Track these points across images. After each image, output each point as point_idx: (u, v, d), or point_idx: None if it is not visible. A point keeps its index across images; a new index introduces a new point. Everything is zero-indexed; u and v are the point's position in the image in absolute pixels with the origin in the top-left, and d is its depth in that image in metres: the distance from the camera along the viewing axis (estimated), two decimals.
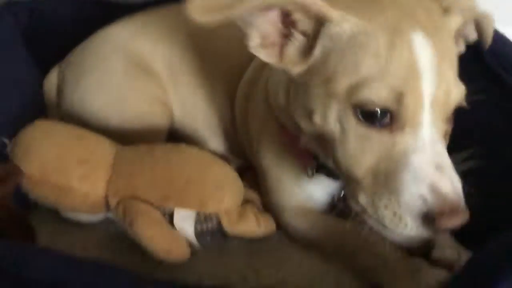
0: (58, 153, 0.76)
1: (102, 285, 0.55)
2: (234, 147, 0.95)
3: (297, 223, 0.81)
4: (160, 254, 0.72)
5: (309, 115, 0.63)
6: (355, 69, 0.58)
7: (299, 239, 0.81)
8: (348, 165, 0.61)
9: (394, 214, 0.58)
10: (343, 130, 0.60)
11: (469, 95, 0.62)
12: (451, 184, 0.57)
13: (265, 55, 0.62)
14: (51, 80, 1.00)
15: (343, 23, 0.59)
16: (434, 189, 0.56)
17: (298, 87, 0.67)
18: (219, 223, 0.78)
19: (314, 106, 0.62)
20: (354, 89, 0.57)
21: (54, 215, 0.83)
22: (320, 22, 0.60)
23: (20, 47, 1.03)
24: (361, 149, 0.59)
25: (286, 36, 0.62)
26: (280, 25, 0.61)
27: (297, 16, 0.60)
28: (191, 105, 0.94)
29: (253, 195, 0.85)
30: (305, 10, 0.59)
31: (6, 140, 0.78)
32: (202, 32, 0.92)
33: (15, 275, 0.54)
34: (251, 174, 0.90)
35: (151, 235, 0.72)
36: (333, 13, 0.59)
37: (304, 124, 0.66)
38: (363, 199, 0.61)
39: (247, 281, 0.75)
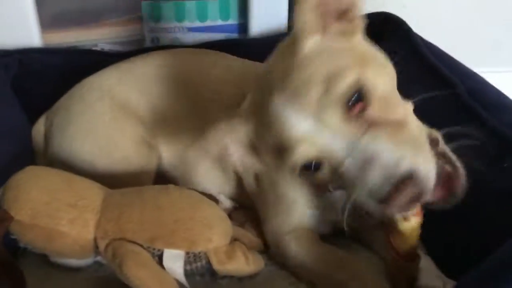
0: (48, 198, 0.77)
1: None
2: (223, 187, 0.96)
3: (296, 247, 0.83)
4: None
5: None
6: None
7: (294, 263, 0.83)
8: None
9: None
10: None
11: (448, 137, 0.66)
12: (380, 172, 0.61)
13: None
14: (39, 128, 1.02)
15: None
16: (367, 183, 0.61)
17: None
18: (208, 263, 0.79)
19: None
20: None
21: (43, 260, 0.84)
22: None
23: (10, 96, 1.05)
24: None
25: None
26: None
27: None
28: (177, 147, 0.96)
29: (242, 233, 0.86)
30: None
31: None
32: (188, 77, 0.96)
33: None
34: (241, 212, 0.92)
35: (141, 276, 0.73)
36: None
37: None
38: None
39: None
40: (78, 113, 0.95)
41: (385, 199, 0.61)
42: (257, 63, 0.93)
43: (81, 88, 0.99)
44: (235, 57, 1.04)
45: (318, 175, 0.67)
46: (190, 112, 0.94)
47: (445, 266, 0.79)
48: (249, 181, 0.92)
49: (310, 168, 0.66)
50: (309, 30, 0.66)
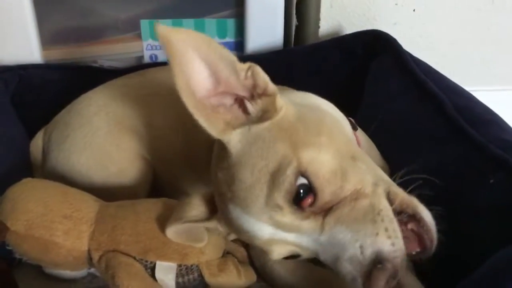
0: (44, 209, 0.78)
1: None
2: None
3: (280, 269, 0.84)
4: None
5: None
6: None
7: (281, 286, 0.84)
8: None
9: None
10: None
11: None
12: (349, 265, 0.60)
13: None
14: (37, 142, 1.04)
15: None
16: (343, 277, 0.61)
17: None
18: (201, 275, 0.80)
19: None
20: None
21: (38, 271, 0.85)
22: None
23: (9, 110, 1.07)
24: None
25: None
26: None
27: None
28: (170, 162, 0.98)
29: (234, 246, 0.87)
30: None
31: None
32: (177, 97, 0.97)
33: None
34: None
35: (133, 287, 0.73)
36: None
37: None
38: None
39: None
40: (75, 127, 0.97)
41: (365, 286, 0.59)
42: None
43: (79, 104, 1.01)
44: None
45: (304, 257, 0.67)
46: (177, 130, 0.95)
47: (432, 282, 0.79)
48: None
49: (293, 257, 0.67)
50: (228, 126, 0.64)
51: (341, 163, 0.63)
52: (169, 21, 1.27)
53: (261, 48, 1.28)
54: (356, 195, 0.62)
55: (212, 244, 0.81)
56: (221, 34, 1.31)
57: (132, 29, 1.28)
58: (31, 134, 1.06)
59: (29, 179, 0.85)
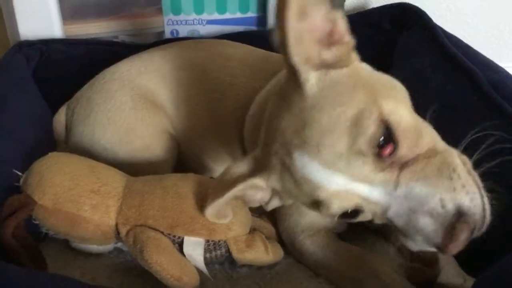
0: (71, 183, 0.78)
1: None
2: None
3: (311, 245, 0.83)
4: (171, 281, 0.73)
5: None
6: None
7: (311, 261, 0.83)
8: None
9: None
10: None
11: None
12: (429, 218, 0.58)
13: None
14: (60, 118, 1.03)
15: None
16: (418, 231, 0.59)
17: None
18: (228, 251, 0.79)
19: None
20: None
21: (64, 245, 0.85)
22: None
23: (32, 86, 1.06)
24: None
25: None
26: None
27: None
28: (196, 136, 0.96)
29: (261, 223, 0.86)
30: None
31: (19, 173, 0.80)
32: (207, 67, 0.96)
33: None
34: None
35: (161, 261, 0.73)
36: None
37: None
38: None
39: None
40: (99, 102, 0.96)
41: (441, 245, 0.58)
42: (275, 54, 0.93)
43: (102, 78, 1.00)
44: (252, 48, 1.03)
45: (360, 217, 0.64)
46: (205, 104, 0.95)
47: (466, 263, 0.78)
48: None
49: (349, 216, 0.64)
50: (308, 64, 0.61)
51: (415, 120, 0.63)
52: None
53: None
54: (430, 153, 0.61)
55: (239, 220, 0.80)
56: (243, 9, 1.29)
57: (153, 3, 1.26)
58: (53, 110, 1.05)
59: (55, 153, 0.84)
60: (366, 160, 0.58)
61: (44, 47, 1.14)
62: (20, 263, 0.72)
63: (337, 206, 0.62)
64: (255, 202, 0.74)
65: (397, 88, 0.66)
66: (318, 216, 0.81)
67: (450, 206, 0.58)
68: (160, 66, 0.99)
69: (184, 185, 0.80)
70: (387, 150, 0.59)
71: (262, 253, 0.81)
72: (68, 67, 1.15)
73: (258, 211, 0.92)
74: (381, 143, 0.58)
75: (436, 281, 0.77)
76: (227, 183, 0.70)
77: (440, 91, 0.90)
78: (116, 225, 0.78)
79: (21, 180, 0.80)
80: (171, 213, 0.77)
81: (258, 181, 0.68)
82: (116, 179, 0.81)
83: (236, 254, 0.79)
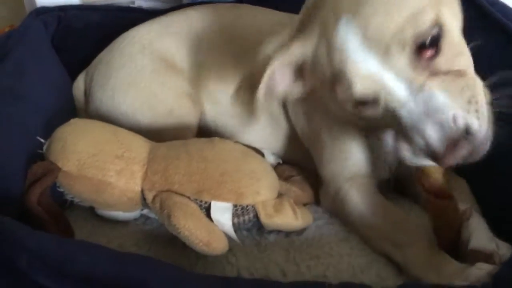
0: (94, 149, 0.76)
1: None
2: (268, 141, 0.94)
3: (356, 196, 0.80)
4: (199, 245, 0.71)
5: None
6: None
7: (354, 214, 0.80)
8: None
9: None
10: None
11: None
12: (438, 127, 0.61)
13: None
14: (79, 85, 1.01)
15: None
16: (422, 135, 0.62)
17: None
18: (256, 216, 0.77)
19: None
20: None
21: (90, 213, 0.84)
22: None
23: (50, 52, 1.04)
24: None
25: None
26: None
27: None
28: (220, 100, 0.94)
29: (288, 187, 0.84)
30: None
31: (42, 140, 0.79)
32: (231, 28, 0.93)
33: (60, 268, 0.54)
34: (285, 168, 0.89)
35: (190, 226, 0.71)
36: None
37: None
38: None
39: (286, 275, 0.74)
40: (118, 67, 0.94)
41: (440, 155, 0.61)
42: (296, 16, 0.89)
43: (121, 42, 0.98)
44: (273, 11, 1.01)
45: (370, 111, 0.66)
46: (231, 64, 0.92)
47: (500, 228, 0.74)
48: (298, 120, 0.89)
49: (363, 104, 0.65)
50: None
51: (461, 39, 0.66)
52: None
53: None
54: (460, 74, 0.63)
55: (267, 184, 0.78)
56: None
57: None
58: (72, 77, 1.03)
59: (77, 119, 0.83)
60: (405, 53, 0.61)
61: (62, 14, 1.12)
62: (47, 231, 0.71)
63: (359, 87, 0.64)
64: (278, 93, 0.75)
65: (457, 3, 0.68)
66: (361, 160, 0.82)
67: (461, 123, 0.60)
68: (181, 29, 0.96)
69: (209, 150, 0.78)
70: (428, 52, 0.61)
71: (291, 217, 0.79)
72: (86, 33, 1.13)
73: (285, 175, 0.90)
74: (426, 44, 0.61)
75: (469, 239, 0.73)
76: (265, 61, 0.71)
77: (474, 49, 0.86)
78: (142, 191, 0.76)
79: (44, 147, 0.78)
80: (197, 178, 0.76)
81: (294, 46, 0.69)
82: (140, 145, 0.80)
83: (264, 219, 0.77)
